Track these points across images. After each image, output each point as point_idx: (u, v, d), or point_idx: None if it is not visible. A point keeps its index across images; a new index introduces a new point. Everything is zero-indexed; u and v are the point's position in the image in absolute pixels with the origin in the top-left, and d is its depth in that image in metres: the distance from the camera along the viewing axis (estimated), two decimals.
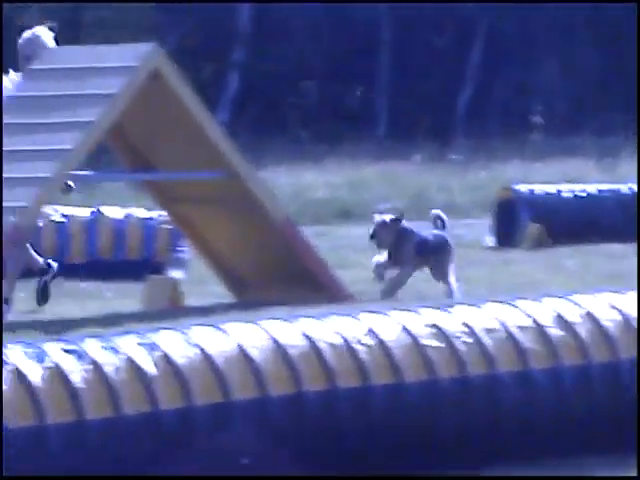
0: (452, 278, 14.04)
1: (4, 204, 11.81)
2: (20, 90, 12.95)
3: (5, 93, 13.35)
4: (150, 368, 6.01)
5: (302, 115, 46.59)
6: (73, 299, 14.02)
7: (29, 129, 12.39)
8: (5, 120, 12.27)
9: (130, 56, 12.60)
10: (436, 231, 14.70)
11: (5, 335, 7.60)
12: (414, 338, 7.06)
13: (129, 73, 12.38)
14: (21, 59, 13.72)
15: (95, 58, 13.18)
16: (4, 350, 6.01)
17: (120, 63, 12.62)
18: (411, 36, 46.43)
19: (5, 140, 12.18)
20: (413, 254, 14.33)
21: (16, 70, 13.83)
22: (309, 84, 48.37)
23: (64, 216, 16.59)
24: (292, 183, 27.45)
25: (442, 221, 14.75)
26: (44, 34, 13.73)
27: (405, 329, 7.10)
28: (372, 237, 14.38)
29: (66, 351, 6.04)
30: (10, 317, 12.29)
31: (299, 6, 44.34)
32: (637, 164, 39.86)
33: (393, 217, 14.63)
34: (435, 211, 15.34)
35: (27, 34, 13.90)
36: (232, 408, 6.31)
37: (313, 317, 7.17)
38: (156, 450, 6.10)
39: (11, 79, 13.74)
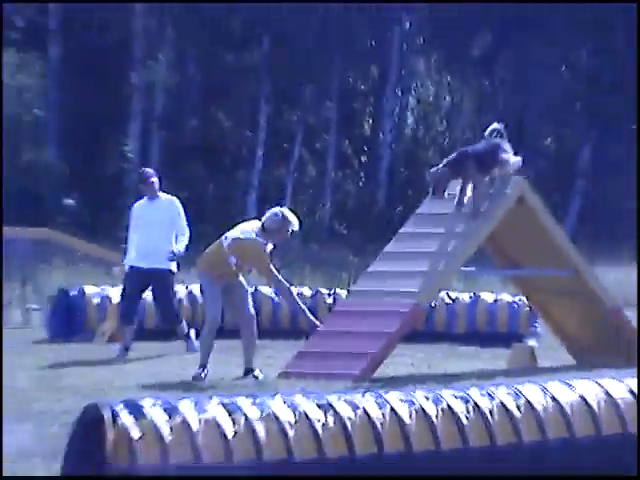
0: None
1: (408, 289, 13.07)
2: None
3: None
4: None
5: None
6: (457, 360, 14.95)
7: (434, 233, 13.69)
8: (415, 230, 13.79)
9: (502, 185, 13.79)
10: None
11: None
12: None
13: (502, 198, 13.59)
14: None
15: None
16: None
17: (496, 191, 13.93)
18: None
19: (414, 244, 13.53)
20: None
21: None
22: None
23: (451, 299, 17.71)
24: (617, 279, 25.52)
25: None
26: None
27: None
28: None
29: (455, 397, 6.51)
30: None
31: None
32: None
33: None
34: None
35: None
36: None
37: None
38: None
39: None
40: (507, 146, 13.71)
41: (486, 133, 13.85)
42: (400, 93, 40.73)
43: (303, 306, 13.12)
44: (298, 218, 12.94)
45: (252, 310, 12.85)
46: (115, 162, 34.16)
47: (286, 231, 12.82)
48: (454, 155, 13.65)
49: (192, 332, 14.87)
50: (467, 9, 38.15)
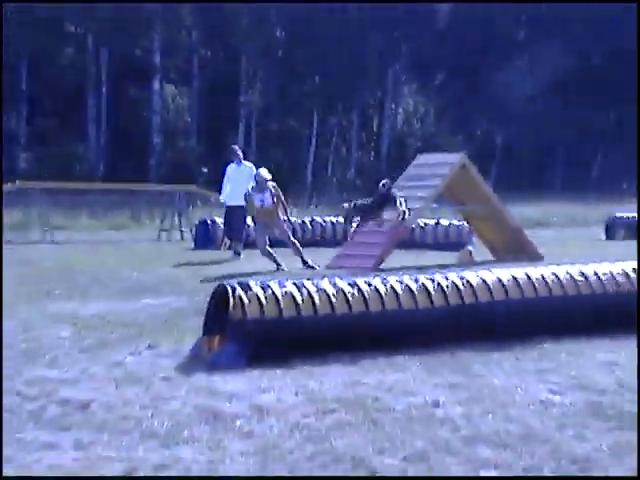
0: None
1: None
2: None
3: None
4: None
5: None
6: (426, 258, 17.53)
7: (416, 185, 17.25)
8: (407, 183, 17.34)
9: (452, 158, 17.64)
10: None
11: None
12: None
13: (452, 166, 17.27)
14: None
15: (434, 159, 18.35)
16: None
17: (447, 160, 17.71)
18: None
19: (407, 183, 17.30)
20: None
21: None
22: None
23: (424, 224, 22.29)
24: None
25: None
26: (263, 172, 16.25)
27: None
28: None
29: (426, 278, 8.74)
30: None
31: None
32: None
33: None
34: None
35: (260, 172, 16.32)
36: None
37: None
38: None
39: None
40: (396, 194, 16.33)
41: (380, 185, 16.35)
42: (393, 105, 53.84)
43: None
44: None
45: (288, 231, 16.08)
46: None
47: (265, 182, 15.87)
48: (359, 203, 16.35)
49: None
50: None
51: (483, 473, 5.04)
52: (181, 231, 24.68)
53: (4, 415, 6.03)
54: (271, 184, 16.03)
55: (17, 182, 26.59)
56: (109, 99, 45.41)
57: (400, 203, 15.92)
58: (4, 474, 4.59)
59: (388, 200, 15.95)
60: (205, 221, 22.14)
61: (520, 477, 4.55)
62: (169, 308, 10.80)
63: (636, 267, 9.69)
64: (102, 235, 25.38)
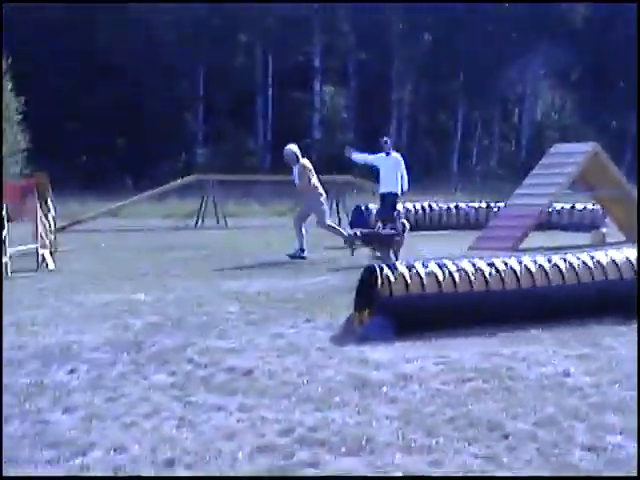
0: None
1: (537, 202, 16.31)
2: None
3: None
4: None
5: None
6: (562, 239, 17.65)
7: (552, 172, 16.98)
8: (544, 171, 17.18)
9: (585, 147, 17.31)
10: None
11: None
12: None
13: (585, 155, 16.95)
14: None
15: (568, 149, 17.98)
16: None
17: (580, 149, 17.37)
18: None
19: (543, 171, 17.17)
20: None
21: None
22: None
23: (559, 208, 22.13)
24: None
25: None
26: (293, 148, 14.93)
27: None
28: None
29: (559, 258, 8.55)
30: None
31: None
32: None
33: None
34: None
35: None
36: None
37: None
38: None
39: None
40: None
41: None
42: (532, 99, 52.54)
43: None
44: None
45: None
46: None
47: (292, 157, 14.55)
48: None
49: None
50: None
51: (609, 439, 4.92)
52: (338, 216, 24.78)
53: None
54: (302, 162, 14.79)
55: (195, 175, 27.40)
56: (274, 100, 46.15)
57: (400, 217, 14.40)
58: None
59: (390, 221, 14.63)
60: (359, 207, 22.18)
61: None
62: (325, 285, 10.91)
63: None
64: (268, 221, 25.77)
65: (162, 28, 42.78)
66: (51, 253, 14.31)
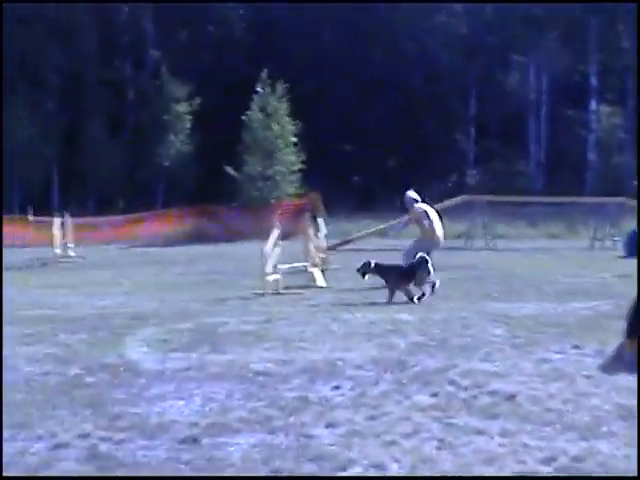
0: None
1: None
2: None
3: None
4: None
5: None
6: None
7: None
8: None
9: None
10: None
11: None
12: None
13: None
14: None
15: None
16: None
17: None
18: None
19: None
20: None
21: None
22: None
23: None
24: None
25: None
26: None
27: None
28: None
29: None
30: None
31: None
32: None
33: None
34: None
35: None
36: None
37: None
38: None
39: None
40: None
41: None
42: None
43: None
44: None
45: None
46: None
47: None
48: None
49: None
50: None
51: None
52: (613, 240, 23.96)
53: None
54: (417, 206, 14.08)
55: (463, 195, 27.38)
56: (547, 120, 45.41)
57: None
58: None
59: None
60: (634, 231, 21.24)
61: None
62: (595, 311, 10.57)
63: None
64: (538, 243, 25.34)
65: (435, 45, 43.31)
66: (322, 271, 14.78)
